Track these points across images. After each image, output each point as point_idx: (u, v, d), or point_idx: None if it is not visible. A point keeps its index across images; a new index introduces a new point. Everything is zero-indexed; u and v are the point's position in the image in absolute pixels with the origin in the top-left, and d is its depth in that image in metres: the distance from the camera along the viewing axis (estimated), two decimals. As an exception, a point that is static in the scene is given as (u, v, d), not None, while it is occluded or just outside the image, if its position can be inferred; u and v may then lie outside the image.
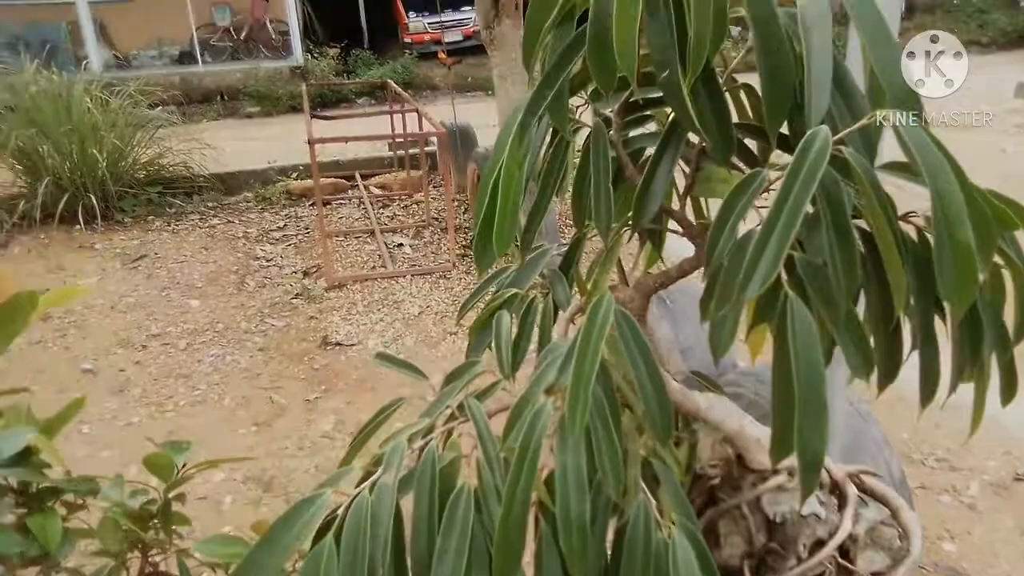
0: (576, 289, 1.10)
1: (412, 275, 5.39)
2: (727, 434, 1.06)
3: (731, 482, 1.10)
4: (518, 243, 0.97)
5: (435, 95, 11.82)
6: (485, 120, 8.04)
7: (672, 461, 0.98)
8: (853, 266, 0.76)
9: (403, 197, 7.01)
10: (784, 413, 0.83)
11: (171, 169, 6.76)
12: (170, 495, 0.94)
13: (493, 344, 0.99)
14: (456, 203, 5.69)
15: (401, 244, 5.99)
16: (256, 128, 9.85)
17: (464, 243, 5.83)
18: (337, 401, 4.07)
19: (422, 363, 4.32)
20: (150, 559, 0.93)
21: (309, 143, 4.90)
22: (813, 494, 1.06)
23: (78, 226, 6.09)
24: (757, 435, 1.05)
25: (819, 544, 1.03)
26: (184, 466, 0.95)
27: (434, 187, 7.12)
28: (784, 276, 0.79)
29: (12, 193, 6.26)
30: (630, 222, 0.99)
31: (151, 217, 6.48)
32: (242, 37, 11.85)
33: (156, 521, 0.90)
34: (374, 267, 5.62)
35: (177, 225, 6.42)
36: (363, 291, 5.24)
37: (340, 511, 0.84)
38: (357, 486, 0.89)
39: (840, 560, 1.05)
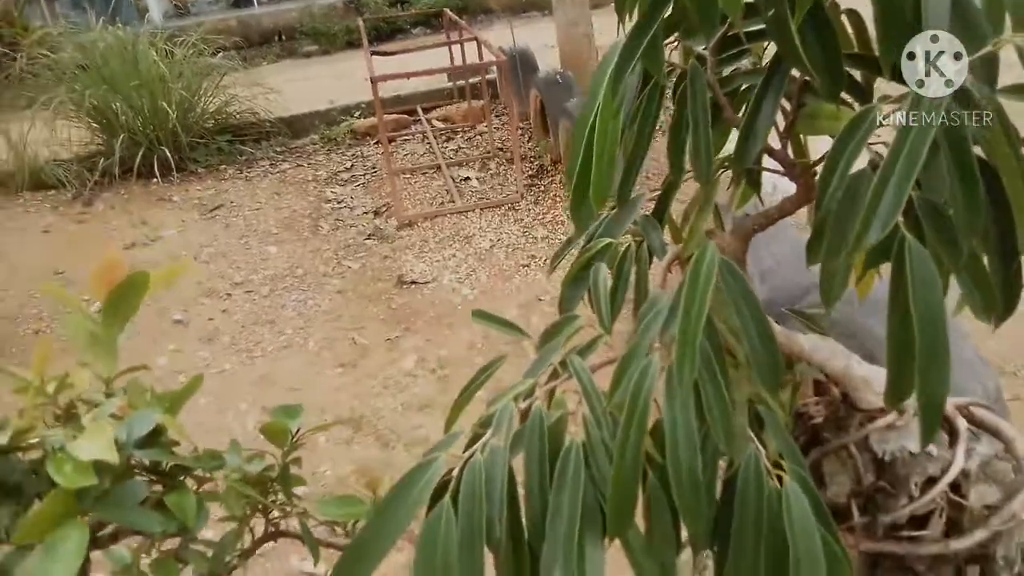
0: (670, 236, 1.08)
1: (481, 208, 5.38)
2: (832, 375, 1.03)
3: (836, 421, 1.08)
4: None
5: (490, 19, 11.55)
6: (543, 41, 7.86)
7: (776, 405, 0.96)
8: (977, 205, 0.72)
9: (466, 129, 6.96)
10: (901, 357, 0.80)
11: (238, 116, 6.85)
12: (287, 460, 0.97)
13: (591, 297, 0.97)
14: (520, 132, 5.61)
15: (468, 178, 5.97)
16: (316, 67, 9.84)
17: (531, 172, 5.77)
18: (417, 339, 4.15)
19: (497, 297, 4.39)
20: (272, 521, 0.97)
21: (372, 81, 4.87)
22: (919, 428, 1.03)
23: (155, 179, 6.26)
24: (864, 374, 1.02)
25: (931, 482, 1.00)
26: (298, 431, 0.98)
27: (496, 116, 7.04)
28: (899, 217, 0.75)
29: (91, 151, 6.45)
30: (727, 164, 0.95)
31: (223, 166, 6.60)
32: (294, -26, 11.74)
33: (275, 485, 0.94)
34: (443, 203, 5.63)
35: (249, 172, 6.54)
36: (433, 228, 5.27)
37: (454, 473, 0.85)
38: (466, 449, 0.90)
39: (952, 495, 1.02)
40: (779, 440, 0.93)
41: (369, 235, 5.28)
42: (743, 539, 0.88)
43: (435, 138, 6.77)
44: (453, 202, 5.53)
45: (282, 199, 6.02)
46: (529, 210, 5.27)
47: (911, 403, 1.06)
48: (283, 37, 11.19)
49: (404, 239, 5.19)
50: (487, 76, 6.69)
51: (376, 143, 6.84)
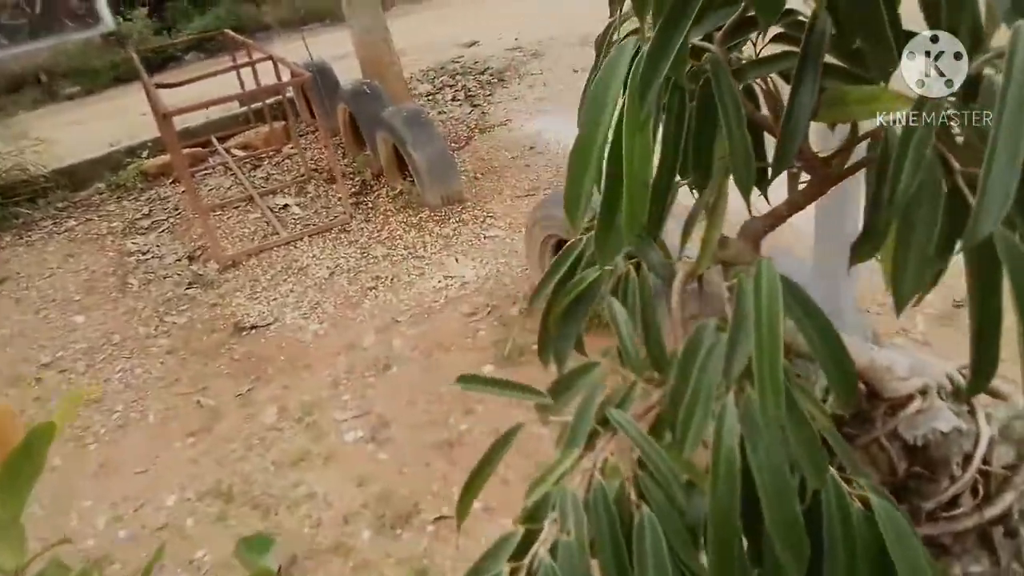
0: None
1: (309, 235, 5.07)
2: (857, 369, 0.97)
3: (860, 415, 1.02)
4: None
5: (269, 35, 11.00)
6: (332, 52, 7.57)
7: (823, 416, 0.88)
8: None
9: (271, 154, 6.54)
10: (986, 348, 0.74)
11: (5, 175, 6.01)
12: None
13: (617, 337, 0.84)
14: (333, 149, 5.33)
15: (286, 205, 5.60)
16: (83, 109, 8.90)
17: (354, 190, 5.51)
18: (272, 389, 3.81)
19: (350, 327, 4.13)
20: None
21: (165, 116, 4.41)
22: (948, 408, 0.99)
23: (-86, 262, 5.36)
24: (887, 364, 0.97)
25: (968, 458, 0.97)
26: (279, 570, 0.77)
27: (300, 136, 6.67)
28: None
29: None
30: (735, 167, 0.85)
31: (-2, 233, 5.78)
32: (38, 10, 10.50)
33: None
34: (265, 236, 5.24)
35: (30, 236, 5.76)
36: (261, 264, 4.89)
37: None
38: (520, 553, 0.73)
39: (982, 465, 1.00)
40: (844, 457, 0.85)
41: (189, 284, 4.81)
42: (836, 569, 0.80)
43: (239, 168, 6.30)
44: (277, 233, 5.16)
45: (77, 260, 5.35)
46: (362, 229, 5.03)
47: (932, 384, 1.02)
48: (42, 79, 10.02)
49: (231, 281, 4.77)
50: (287, 94, 6.31)
51: (173, 182, 6.27)
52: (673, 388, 0.78)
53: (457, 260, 4.48)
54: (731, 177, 0.88)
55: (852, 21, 0.64)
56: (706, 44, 0.76)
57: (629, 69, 0.69)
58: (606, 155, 0.71)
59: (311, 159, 6.18)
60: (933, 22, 0.70)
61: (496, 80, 7.32)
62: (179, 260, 5.16)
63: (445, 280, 4.32)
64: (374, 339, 3.98)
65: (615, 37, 0.81)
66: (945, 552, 1.04)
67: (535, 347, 3.41)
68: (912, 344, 3.01)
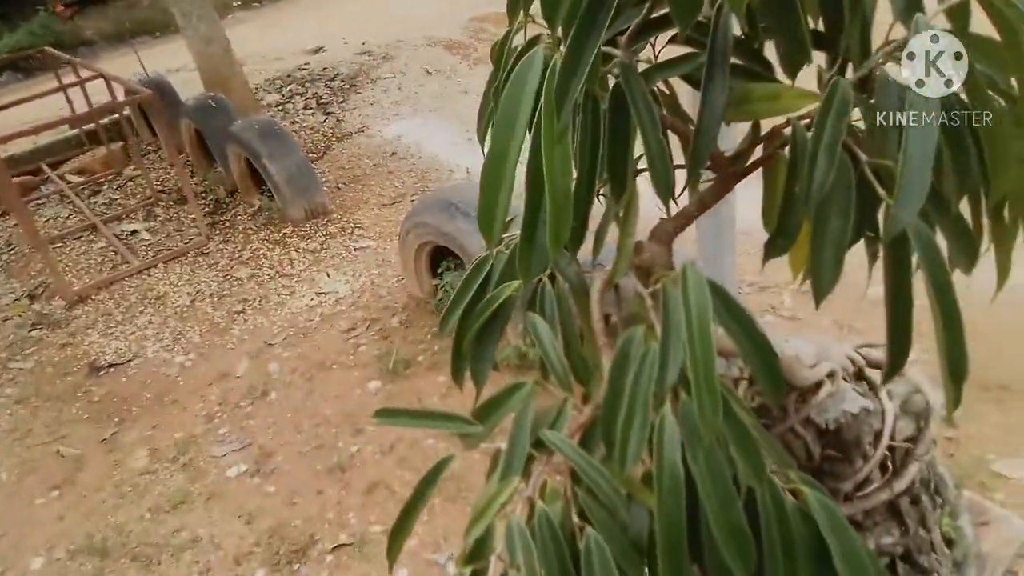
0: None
1: (164, 262, 4.76)
2: (769, 362, 0.98)
3: (769, 406, 1.04)
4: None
5: (94, 50, 10.29)
6: (166, 66, 7.17)
7: (747, 414, 0.89)
8: (968, 169, 0.69)
9: (112, 177, 6.10)
10: (899, 335, 0.76)
11: None
12: None
13: (542, 354, 0.81)
14: (181, 167, 5.02)
15: (135, 231, 5.24)
16: None
17: (208, 209, 5.23)
18: (139, 430, 3.55)
19: (220, 355, 3.91)
20: None
21: (-13, 146, 4.01)
22: (853, 390, 1.03)
23: None
24: (795, 352, 0.99)
25: (878, 436, 1.01)
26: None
27: (143, 155, 6.26)
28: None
29: None
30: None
31: None
32: None
33: None
34: (114, 266, 4.88)
35: None
36: (114, 297, 4.55)
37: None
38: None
39: (890, 441, 1.04)
40: (771, 452, 0.85)
41: (33, 325, 4.41)
42: (775, 561, 0.80)
43: (77, 195, 5.84)
44: (127, 262, 4.81)
45: None
46: (222, 251, 4.77)
47: (837, 368, 1.06)
48: None
49: (80, 318, 4.41)
50: (124, 113, 5.91)
51: (2, 215, 5.73)
52: (606, 402, 0.76)
53: (328, 275, 4.33)
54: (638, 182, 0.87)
55: (768, 20, 0.63)
56: (612, 49, 0.74)
57: (541, 82, 0.67)
58: (526, 170, 0.68)
59: (157, 180, 5.81)
60: (829, 20, 0.71)
61: (348, 86, 7.14)
62: (19, 299, 4.72)
63: (318, 297, 4.17)
64: (248, 366, 3.78)
65: (514, 45, 0.78)
66: (858, 528, 1.09)
67: (420, 359, 3.35)
68: (781, 320, 3.17)
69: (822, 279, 0.73)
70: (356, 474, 3.03)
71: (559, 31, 0.64)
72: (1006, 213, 0.78)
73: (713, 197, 0.86)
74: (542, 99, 0.65)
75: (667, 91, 0.88)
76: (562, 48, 0.63)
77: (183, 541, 2.94)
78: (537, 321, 0.82)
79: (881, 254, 0.72)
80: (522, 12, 0.72)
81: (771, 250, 0.78)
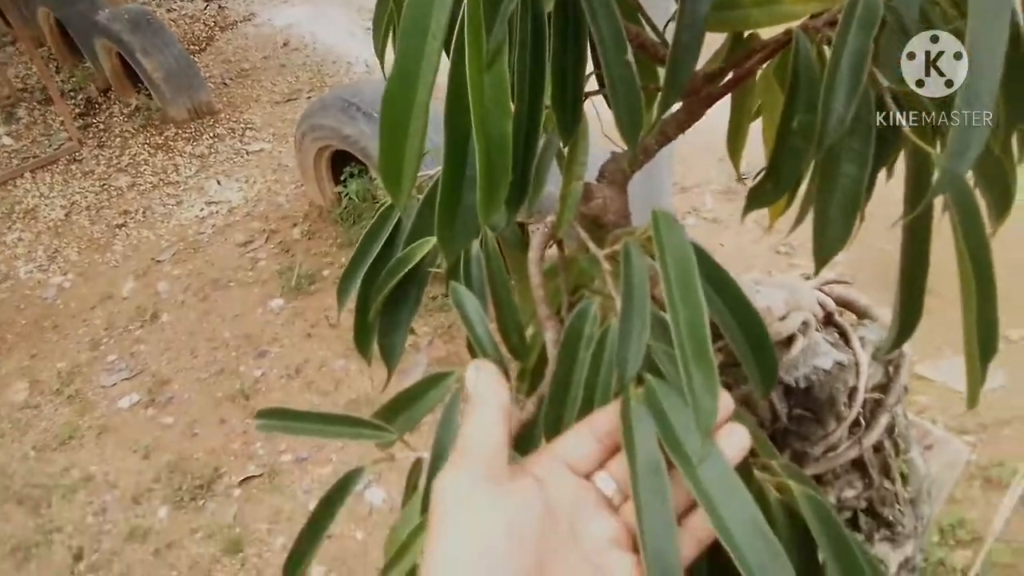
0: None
1: (32, 171, 4.27)
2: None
3: (734, 363, 0.90)
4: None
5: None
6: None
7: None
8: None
9: (-38, 73, 5.40)
10: (913, 293, 0.62)
11: None
12: None
13: (467, 330, 0.63)
14: (43, 63, 4.46)
15: (-6, 136, 4.68)
16: None
17: (79, 110, 4.70)
18: (17, 359, 3.23)
19: (102, 273, 3.57)
20: None
21: None
22: (824, 339, 0.90)
23: None
24: (766, 304, 0.85)
25: (853, 392, 0.89)
26: None
27: (-1, 49, 5.55)
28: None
29: None
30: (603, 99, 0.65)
31: None
32: None
33: None
34: (-28, 177, 4.36)
35: None
36: (-26, 212, 4.08)
37: None
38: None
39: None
40: (754, 436, 0.72)
41: None
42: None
43: (-78, 94, 5.15)
44: (-12, 172, 4.31)
45: None
46: (97, 157, 4.31)
47: (810, 318, 0.92)
48: None
49: (-63, 238, 3.95)
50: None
51: None
52: (551, 397, 0.60)
53: (219, 182, 3.98)
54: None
55: None
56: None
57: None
58: (444, 107, 0.48)
59: (16, 77, 5.17)
60: None
61: (230, -34, 6.47)
62: None
63: (209, 207, 3.83)
64: (134, 285, 3.47)
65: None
66: (819, 483, 0.99)
67: (326, 272, 3.11)
68: (704, 222, 3.08)
69: (827, 238, 0.57)
70: (261, 400, 2.84)
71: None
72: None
73: (678, 127, 0.68)
74: (465, 4, 0.45)
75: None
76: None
77: (74, 480, 2.72)
78: (461, 292, 0.64)
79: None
80: None
81: (757, 197, 0.61)
